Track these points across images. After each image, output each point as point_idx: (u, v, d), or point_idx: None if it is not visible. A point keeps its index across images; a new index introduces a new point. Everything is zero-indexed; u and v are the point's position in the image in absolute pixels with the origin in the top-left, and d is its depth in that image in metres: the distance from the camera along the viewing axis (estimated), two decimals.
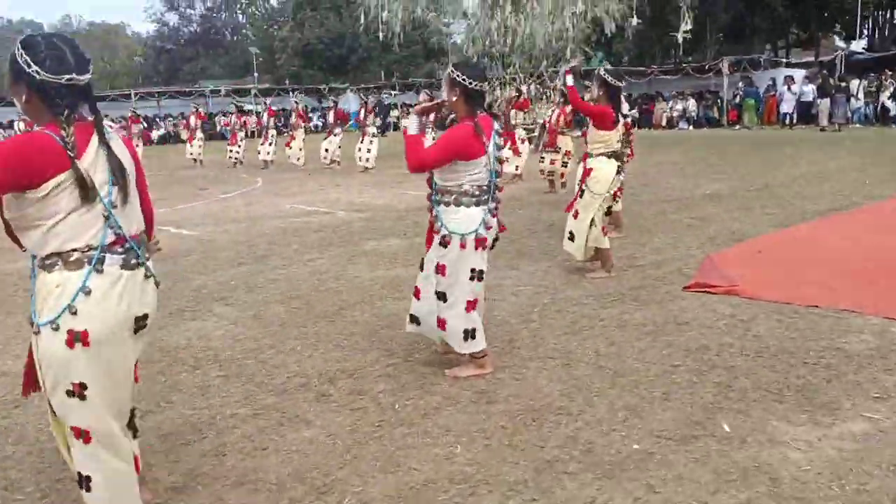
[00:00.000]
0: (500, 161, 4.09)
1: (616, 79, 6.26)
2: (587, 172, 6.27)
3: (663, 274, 6.21)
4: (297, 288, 6.22)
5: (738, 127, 26.14)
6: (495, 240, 4.16)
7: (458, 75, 3.88)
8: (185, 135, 24.59)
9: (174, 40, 68.04)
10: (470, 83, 3.86)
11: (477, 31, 20.09)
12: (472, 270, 3.99)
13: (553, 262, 6.83)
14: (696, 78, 28.84)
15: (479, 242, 3.95)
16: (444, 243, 3.96)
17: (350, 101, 42.60)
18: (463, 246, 3.91)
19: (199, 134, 20.40)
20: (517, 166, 13.42)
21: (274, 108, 23.47)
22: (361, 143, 16.67)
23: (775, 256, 6.60)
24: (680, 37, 19.72)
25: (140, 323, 2.54)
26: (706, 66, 28.34)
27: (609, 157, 6.23)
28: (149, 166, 19.15)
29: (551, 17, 19.51)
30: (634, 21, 20.78)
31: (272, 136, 18.95)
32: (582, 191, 6.31)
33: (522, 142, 13.67)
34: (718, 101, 27.90)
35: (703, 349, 4.34)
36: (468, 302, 3.99)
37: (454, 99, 3.93)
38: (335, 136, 17.54)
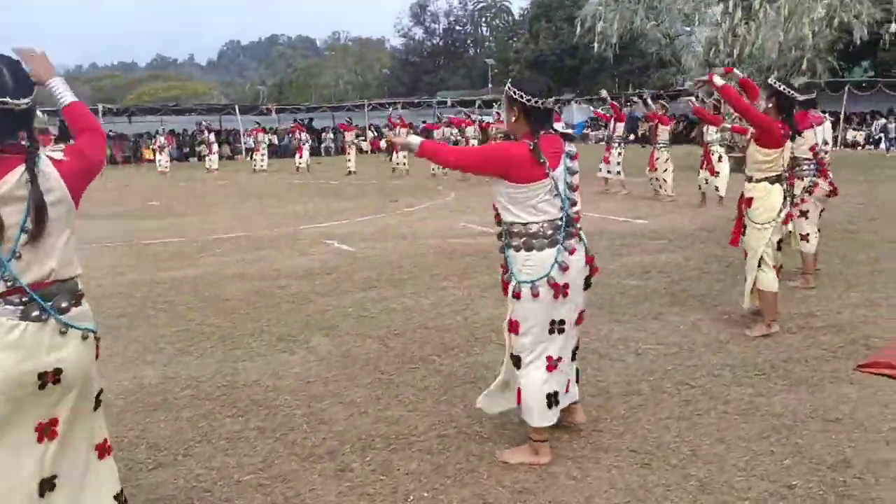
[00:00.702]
0: (573, 188, 3.39)
1: (793, 90, 5.22)
2: (747, 202, 5.30)
3: (841, 343, 4.96)
4: (406, 322, 5.82)
5: None
6: (587, 281, 3.48)
7: (515, 91, 3.31)
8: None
9: (418, 53, 71.47)
10: (528, 100, 3.27)
11: (699, 40, 18.48)
12: (553, 322, 3.36)
13: (709, 313, 5.79)
14: None
15: (556, 288, 3.30)
16: (516, 295, 3.34)
17: (574, 113, 42.04)
18: (535, 295, 3.28)
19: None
20: (717, 187, 12.07)
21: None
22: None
23: None
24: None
25: (46, 378, 2.23)
26: None
27: (773, 181, 5.20)
28: (364, 173, 20.29)
29: (787, 25, 17.41)
30: (894, 27, 17.95)
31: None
32: (744, 225, 5.30)
33: (720, 159, 12.21)
34: None
35: (842, 465, 3.26)
36: (548, 359, 3.39)
37: (513, 119, 3.38)
38: None
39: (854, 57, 30.40)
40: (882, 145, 26.26)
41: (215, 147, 26.02)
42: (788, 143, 5.33)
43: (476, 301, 6.42)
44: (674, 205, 12.63)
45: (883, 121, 26.95)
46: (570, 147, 3.43)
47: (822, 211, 6.95)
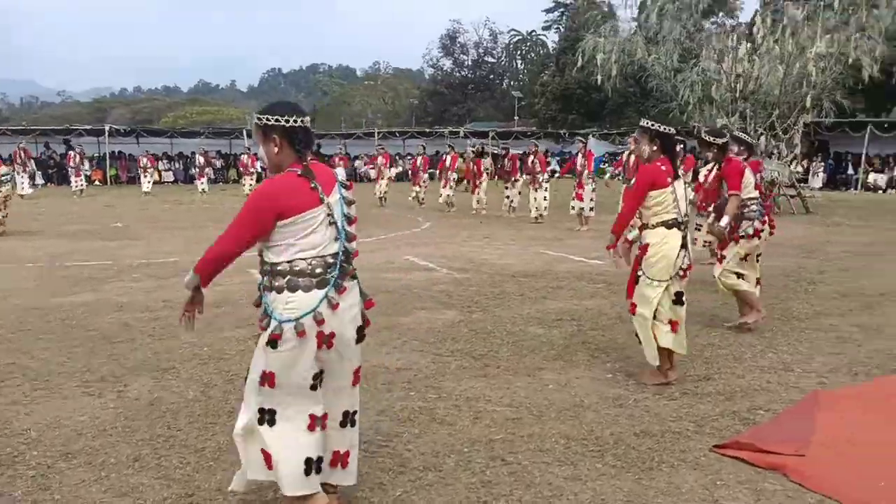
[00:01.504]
0: (351, 220, 3.00)
1: (667, 126, 4.69)
2: (643, 249, 4.77)
3: (717, 415, 4.26)
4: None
5: None
6: (360, 333, 3.08)
7: (269, 118, 2.92)
8: (373, 174, 25.49)
9: (446, 84, 71.50)
10: (287, 121, 2.89)
11: (697, 75, 17.78)
12: (316, 376, 2.93)
13: (595, 369, 5.13)
14: None
15: (321, 337, 2.86)
16: (273, 339, 2.86)
17: (593, 147, 41.33)
18: (301, 334, 2.84)
19: (386, 172, 20.71)
20: None
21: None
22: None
23: None
24: None
25: None
26: None
27: (669, 226, 4.64)
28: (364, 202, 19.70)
29: (790, 60, 16.64)
30: None
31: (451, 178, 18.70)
32: (637, 276, 4.75)
33: None
34: None
35: None
36: (311, 417, 2.93)
37: (275, 151, 2.94)
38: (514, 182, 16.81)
39: (893, 97, 29.32)
40: None
41: (206, 171, 25.92)
42: (680, 183, 4.73)
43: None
44: None
45: None
46: (342, 175, 3.03)
47: (758, 256, 6.43)
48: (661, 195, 4.64)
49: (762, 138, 17.69)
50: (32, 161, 29.59)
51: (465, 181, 22.75)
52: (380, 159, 21.60)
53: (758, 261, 6.56)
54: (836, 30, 16.68)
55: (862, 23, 16.59)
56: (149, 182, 25.76)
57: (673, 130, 4.78)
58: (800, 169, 27.00)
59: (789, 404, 4.43)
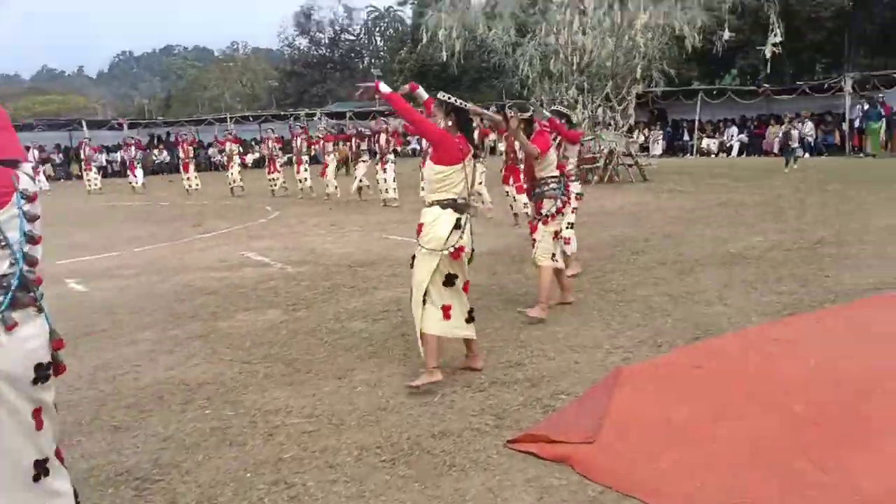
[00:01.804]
0: (34, 240, 2.36)
1: (461, 101, 4.58)
2: (418, 229, 4.60)
3: (520, 405, 4.22)
4: None
5: (861, 155, 22.51)
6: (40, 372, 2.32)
7: None
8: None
9: (303, 63, 69.63)
10: None
11: (535, 49, 18.09)
12: None
13: (411, 364, 4.98)
14: (818, 98, 25.20)
15: None
16: None
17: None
18: None
19: (236, 160, 19.96)
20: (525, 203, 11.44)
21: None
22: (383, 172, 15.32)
23: (710, 382, 4.40)
24: (767, 51, 16.81)
25: None
26: (825, 85, 24.62)
27: (444, 206, 4.49)
28: (204, 193, 18.72)
29: (617, 31, 17.22)
30: (726, 35, 18.04)
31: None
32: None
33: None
34: (842, 124, 24.23)
35: None
36: None
37: None
38: (362, 162, 16.48)
39: (723, 64, 31.11)
40: (734, 153, 26.78)
41: (42, 168, 24.02)
42: (472, 162, 4.62)
43: (156, 358, 5.42)
44: (490, 223, 11.95)
45: (734, 129, 27.54)
46: (26, 184, 2.43)
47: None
48: (450, 172, 4.48)
49: (599, 110, 18.31)
50: None
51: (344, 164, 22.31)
52: (228, 145, 20.67)
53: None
54: (657, 2, 17.40)
55: None
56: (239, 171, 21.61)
57: (470, 105, 4.64)
58: (641, 138, 28.38)
59: (593, 385, 4.48)
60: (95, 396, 4.70)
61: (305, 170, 17.97)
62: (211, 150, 32.94)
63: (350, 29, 72.72)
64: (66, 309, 7.06)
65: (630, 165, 18.75)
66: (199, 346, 5.68)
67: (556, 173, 6.22)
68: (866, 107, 22.95)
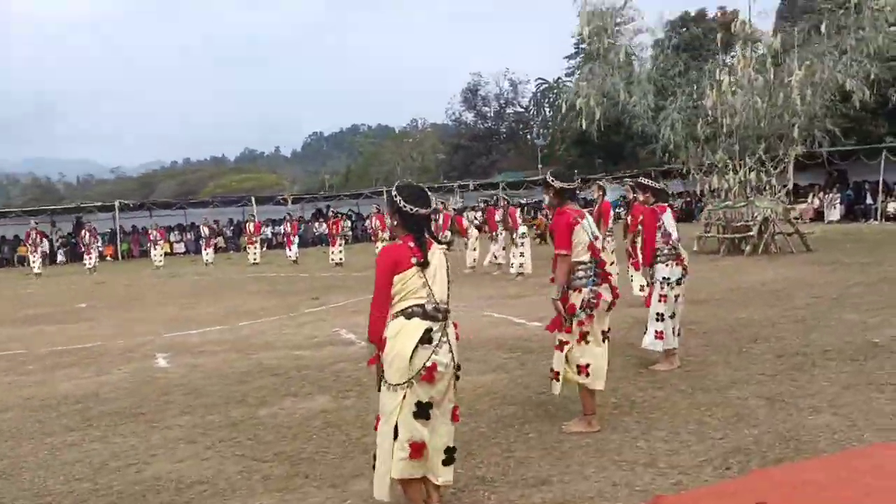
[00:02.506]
0: None
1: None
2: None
3: None
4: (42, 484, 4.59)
5: None
6: None
7: None
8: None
9: (469, 136, 71.55)
10: None
11: (678, 112, 17.00)
12: None
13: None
14: None
15: None
16: None
17: (608, 192, 40.48)
18: None
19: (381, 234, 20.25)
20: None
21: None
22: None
23: None
24: None
25: None
26: None
27: (409, 315, 3.66)
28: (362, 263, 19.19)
29: (770, 89, 15.80)
30: None
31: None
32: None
33: None
34: None
35: None
36: None
37: None
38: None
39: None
40: None
41: (213, 241, 25.94)
42: (441, 259, 3.77)
43: (175, 448, 5.16)
44: None
45: None
46: None
47: (607, 330, 5.14)
48: (405, 278, 3.65)
49: (752, 174, 16.76)
50: (46, 241, 30.11)
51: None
52: (374, 221, 21.19)
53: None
54: (820, 56, 15.83)
55: (848, 46, 15.72)
56: (160, 255, 25.70)
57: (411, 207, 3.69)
58: (816, 202, 25.83)
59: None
60: (83, 490, 4.46)
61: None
62: (368, 222, 34.10)
63: (516, 101, 73.96)
64: (135, 387, 7.09)
65: (790, 234, 16.90)
66: (224, 436, 5.36)
67: (586, 258, 4.98)
68: None
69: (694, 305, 9.75)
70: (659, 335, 6.54)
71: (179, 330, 10.57)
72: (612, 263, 11.77)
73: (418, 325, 3.62)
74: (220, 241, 33.51)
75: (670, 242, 6.64)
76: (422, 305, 3.64)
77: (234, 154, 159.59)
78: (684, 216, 28.39)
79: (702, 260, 15.95)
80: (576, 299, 4.92)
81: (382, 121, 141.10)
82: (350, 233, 27.97)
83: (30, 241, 25.63)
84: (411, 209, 3.68)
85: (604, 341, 5.04)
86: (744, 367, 6.35)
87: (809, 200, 27.88)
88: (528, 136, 72.00)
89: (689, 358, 6.82)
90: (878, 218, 24.77)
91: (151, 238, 26.01)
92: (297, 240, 24.46)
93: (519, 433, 5.00)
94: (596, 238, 5.05)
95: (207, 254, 25.28)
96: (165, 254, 27.76)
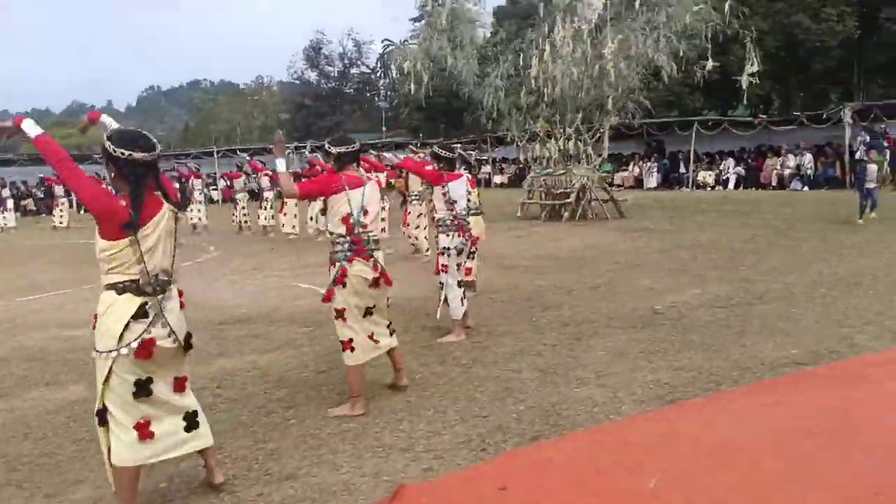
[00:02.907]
0: None
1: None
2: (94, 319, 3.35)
3: None
4: None
5: None
6: None
7: None
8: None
9: (312, 96, 69.64)
10: None
11: (501, 80, 17.09)
12: None
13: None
14: (818, 129, 23.88)
15: None
16: None
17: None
18: None
19: (198, 196, 19.06)
20: None
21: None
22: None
23: None
24: (744, 81, 15.65)
25: None
26: (824, 115, 23.34)
27: (122, 290, 3.25)
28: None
29: (587, 62, 16.20)
30: (709, 65, 16.85)
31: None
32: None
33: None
34: (843, 156, 22.91)
35: None
36: None
37: None
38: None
39: (735, 94, 29.55)
40: (730, 185, 25.52)
41: (6, 202, 23.46)
42: (169, 223, 3.34)
43: None
44: (421, 266, 10.88)
45: (731, 161, 26.29)
46: None
47: (371, 307, 4.86)
48: (116, 249, 3.20)
49: (571, 143, 17.25)
50: None
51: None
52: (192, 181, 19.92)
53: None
54: (634, 31, 16.38)
55: (660, 23, 16.37)
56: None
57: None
58: (636, 170, 27.21)
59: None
60: None
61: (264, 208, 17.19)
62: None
63: (360, 62, 72.65)
64: None
65: (605, 201, 17.61)
66: None
67: (342, 230, 4.75)
68: (867, 138, 21.58)
69: (498, 273, 9.87)
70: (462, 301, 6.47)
71: None
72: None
73: (130, 301, 3.23)
74: (31, 202, 30.59)
75: (454, 211, 6.50)
76: (135, 281, 3.24)
77: (59, 107, 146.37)
78: (517, 182, 29.12)
79: (523, 226, 16.30)
80: (331, 273, 4.73)
81: (226, 77, 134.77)
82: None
83: None
84: (122, 153, 3.16)
85: (364, 316, 4.79)
86: (528, 338, 6.36)
87: (630, 168, 29.36)
88: (376, 99, 71.19)
89: (481, 328, 6.77)
90: (690, 186, 26.46)
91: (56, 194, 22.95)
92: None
93: (280, 421, 4.66)
94: (365, 213, 4.77)
95: (4, 217, 22.90)
96: None
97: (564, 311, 7.31)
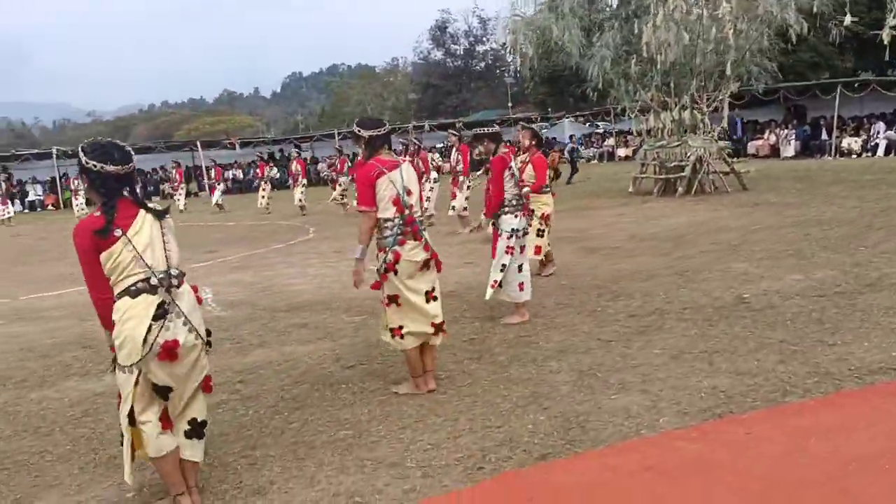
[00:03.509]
0: None
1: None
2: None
3: None
4: None
5: None
6: None
7: None
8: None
9: (439, 75, 69.81)
10: None
11: (608, 49, 16.01)
12: None
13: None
14: None
15: None
16: None
17: (568, 129, 39.60)
18: None
19: (302, 180, 19.32)
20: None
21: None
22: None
23: None
24: (885, 35, 13.72)
25: None
26: None
27: (136, 293, 3.21)
28: (283, 210, 18.31)
29: (701, 25, 14.85)
30: (847, 20, 14.98)
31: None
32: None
33: None
34: None
35: None
36: None
37: None
38: None
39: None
40: (880, 152, 22.99)
41: (81, 193, 24.91)
42: (154, 225, 3.28)
43: None
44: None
45: (881, 125, 23.63)
46: None
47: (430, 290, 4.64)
48: (111, 256, 3.16)
49: (686, 112, 15.97)
50: None
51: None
52: (295, 165, 20.25)
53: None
54: None
55: None
56: (82, 205, 24.62)
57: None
58: (773, 138, 25.09)
59: None
60: None
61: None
62: (320, 166, 33.06)
63: (486, 38, 71.84)
64: None
65: (726, 173, 16.21)
66: None
67: (390, 213, 4.49)
68: None
69: (581, 255, 9.21)
70: (521, 286, 6.04)
71: (45, 291, 9.84)
72: None
73: (147, 302, 3.19)
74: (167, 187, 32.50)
75: (516, 190, 6.04)
76: (146, 280, 3.20)
77: (212, 96, 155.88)
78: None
79: (631, 203, 15.32)
80: (380, 260, 4.48)
81: (362, 60, 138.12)
82: (277, 176, 26.94)
83: None
84: (95, 165, 3.19)
85: (427, 302, 4.53)
86: (583, 331, 5.72)
87: (766, 136, 27.15)
88: (505, 75, 70.30)
89: (537, 319, 6.20)
90: (833, 154, 24.08)
91: (73, 187, 24.86)
92: (221, 185, 23.59)
93: (280, 424, 4.34)
94: (409, 193, 4.43)
95: (78, 205, 24.27)
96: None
97: (635, 301, 6.56)
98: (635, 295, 6.78)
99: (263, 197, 20.68)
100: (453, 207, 12.77)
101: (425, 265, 4.53)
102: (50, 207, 31.49)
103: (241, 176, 33.26)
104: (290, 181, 21.24)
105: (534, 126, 8.27)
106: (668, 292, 6.77)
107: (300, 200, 19.12)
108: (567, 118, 38.52)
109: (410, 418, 4.24)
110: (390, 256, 4.40)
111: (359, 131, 4.51)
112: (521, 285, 6.10)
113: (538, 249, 7.83)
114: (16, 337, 7.19)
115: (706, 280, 7.17)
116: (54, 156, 30.70)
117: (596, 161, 33.90)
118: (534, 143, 7.91)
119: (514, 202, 6.07)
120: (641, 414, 4.01)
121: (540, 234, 7.87)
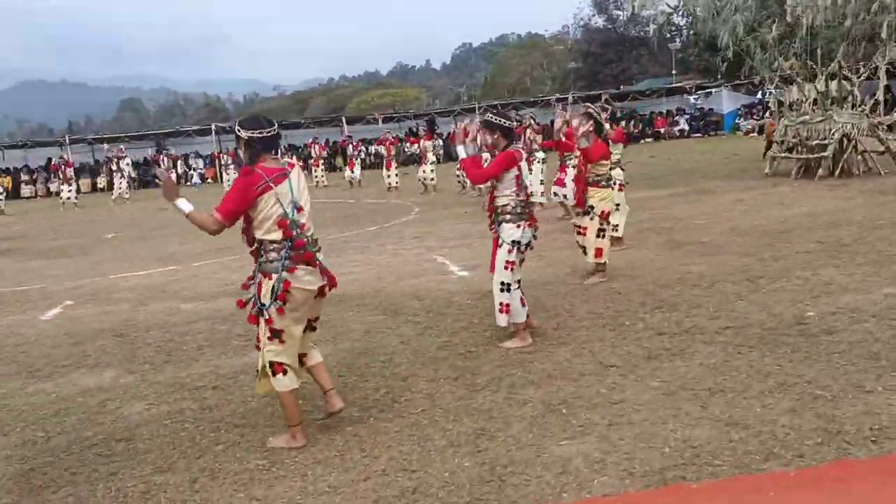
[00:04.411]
0: None
1: None
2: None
3: None
4: None
5: None
6: None
7: None
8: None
9: (599, 43, 67.45)
10: None
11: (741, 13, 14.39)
12: None
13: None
14: None
15: None
16: None
17: (726, 100, 36.79)
18: None
19: (431, 157, 19.43)
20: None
21: None
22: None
23: None
24: None
25: None
26: None
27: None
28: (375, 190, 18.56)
29: None
30: None
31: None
32: None
33: None
34: None
35: None
36: None
37: None
38: None
39: None
40: None
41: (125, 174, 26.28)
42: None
43: None
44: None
45: None
46: None
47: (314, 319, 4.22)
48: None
49: (833, 83, 14.08)
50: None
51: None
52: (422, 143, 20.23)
53: None
54: None
55: None
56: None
57: None
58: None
59: None
60: None
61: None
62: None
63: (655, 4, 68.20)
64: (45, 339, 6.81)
65: (881, 153, 14.17)
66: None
67: (276, 236, 3.90)
68: None
69: (659, 252, 8.38)
70: (504, 308, 5.33)
71: (138, 270, 10.39)
72: None
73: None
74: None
75: (522, 196, 5.32)
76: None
77: (386, 69, 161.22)
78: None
79: (760, 186, 13.80)
80: (266, 287, 3.87)
81: (534, 29, 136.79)
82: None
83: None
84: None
85: (305, 332, 4.03)
86: (591, 352, 5.03)
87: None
88: (677, 40, 66.58)
89: (553, 331, 5.58)
90: None
91: (222, 162, 26.33)
92: (358, 161, 24.07)
93: (209, 443, 4.12)
94: (299, 210, 3.90)
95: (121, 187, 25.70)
96: None
97: (676, 315, 5.72)
98: (681, 306, 5.93)
99: (389, 175, 20.84)
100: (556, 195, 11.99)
101: (320, 293, 4.00)
102: (209, 181, 33.69)
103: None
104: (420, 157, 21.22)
105: (591, 109, 7.40)
106: (721, 305, 5.86)
107: (425, 179, 19.14)
108: (725, 87, 35.72)
109: (333, 450, 3.87)
110: (279, 286, 3.81)
111: (238, 131, 3.89)
112: (521, 301, 5.42)
113: (599, 252, 7.09)
114: (71, 320, 7.54)
115: (777, 290, 6.15)
116: (213, 132, 32.78)
117: (756, 134, 31.22)
118: (591, 129, 7.14)
119: (518, 210, 5.26)
120: (580, 470, 3.38)
121: (601, 234, 7.11)
